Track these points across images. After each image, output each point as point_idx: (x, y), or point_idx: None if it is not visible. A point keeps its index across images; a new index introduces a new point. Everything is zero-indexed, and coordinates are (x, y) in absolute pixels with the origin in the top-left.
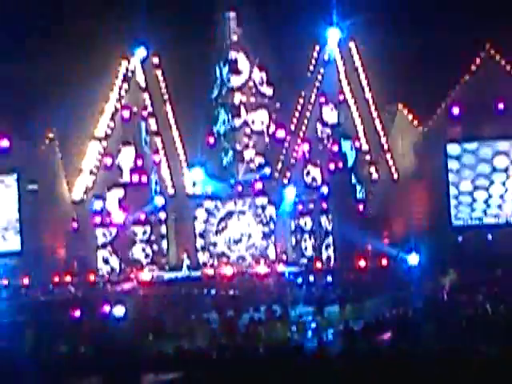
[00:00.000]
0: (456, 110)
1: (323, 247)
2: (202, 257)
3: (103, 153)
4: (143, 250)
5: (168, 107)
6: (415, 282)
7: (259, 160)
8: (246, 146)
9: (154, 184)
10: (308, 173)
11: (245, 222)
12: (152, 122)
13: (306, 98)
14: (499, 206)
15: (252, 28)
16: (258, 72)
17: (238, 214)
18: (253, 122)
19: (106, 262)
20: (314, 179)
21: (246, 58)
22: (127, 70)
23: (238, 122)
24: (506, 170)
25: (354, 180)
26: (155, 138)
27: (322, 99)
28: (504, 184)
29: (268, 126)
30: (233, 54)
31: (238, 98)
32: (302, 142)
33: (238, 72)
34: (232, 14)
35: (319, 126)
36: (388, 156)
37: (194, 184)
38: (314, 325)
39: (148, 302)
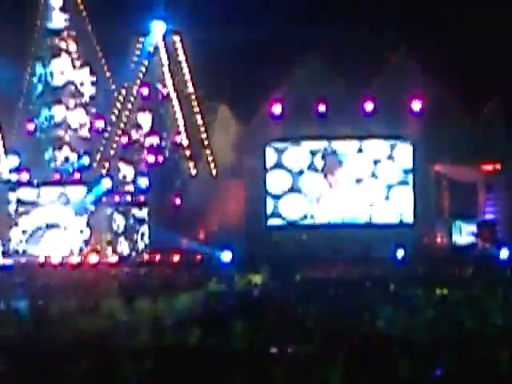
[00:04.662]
0: (277, 110)
1: (138, 239)
2: (15, 244)
3: None
4: None
5: None
6: (227, 279)
7: (81, 145)
8: (65, 143)
9: None
10: (119, 169)
11: (60, 210)
12: None
13: (128, 90)
14: (314, 208)
15: (77, 18)
16: (80, 72)
17: (53, 202)
18: (72, 120)
19: None
20: (124, 176)
21: (68, 56)
22: None
23: (58, 118)
24: (319, 171)
25: (173, 174)
26: None
27: (145, 91)
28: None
29: (85, 124)
30: (56, 55)
31: (58, 97)
32: (122, 134)
33: (61, 72)
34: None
35: (141, 118)
36: (207, 152)
37: (9, 171)
38: (124, 317)
39: None
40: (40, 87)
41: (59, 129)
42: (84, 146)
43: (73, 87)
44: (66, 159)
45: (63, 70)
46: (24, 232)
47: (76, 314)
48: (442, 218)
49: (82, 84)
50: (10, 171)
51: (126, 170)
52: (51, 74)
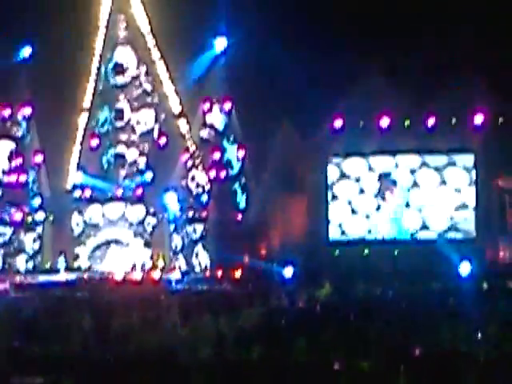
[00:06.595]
0: (339, 124)
1: (200, 255)
2: (78, 260)
3: None
4: (15, 251)
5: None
6: (289, 295)
7: (142, 161)
8: (128, 147)
9: (32, 183)
10: (193, 178)
11: (123, 226)
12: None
13: (190, 105)
14: (376, 223)
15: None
16: (143, 70)
17: (117, 218)
18: (137, 123)
19: None
20: (198, 185)
21: (133, 54)
22: None
23: (120, 123)
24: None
25: (236, 189)
26: (36, 136)
27: (207, 106)
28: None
29: (153, 129)
30: (120, 51)
31: (122, 96)
32: (185, 150)
33: (123, 70)
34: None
35: (203, 132)
36: (269, 167)
37: (73, 186)
38: (185, 333)
39: (20, 304)
40: (100, 86)
41: (121, 133)
42: (146, 160)
43: (137, 83)
44: (128, 175)
45: (125, 64)
46: (87, 248)
47: (138, 329)
48: (505, 233)
49: (146, 81)
50: (75, 187)
51: (201, 178)
52: (114, 67)
